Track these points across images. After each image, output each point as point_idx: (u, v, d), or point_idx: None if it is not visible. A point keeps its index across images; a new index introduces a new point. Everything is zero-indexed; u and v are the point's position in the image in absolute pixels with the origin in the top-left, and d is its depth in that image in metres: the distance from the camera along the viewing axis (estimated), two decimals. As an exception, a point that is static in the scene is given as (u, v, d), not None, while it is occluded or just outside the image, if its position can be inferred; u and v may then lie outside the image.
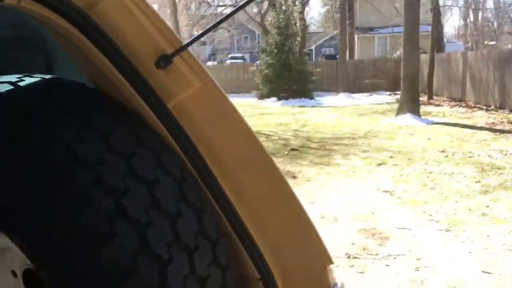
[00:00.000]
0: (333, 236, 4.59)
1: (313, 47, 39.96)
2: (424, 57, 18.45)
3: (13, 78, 0.91)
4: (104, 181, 0.78)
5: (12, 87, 0.87)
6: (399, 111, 12.79)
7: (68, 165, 0.77)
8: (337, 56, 25.45)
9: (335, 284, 1.01)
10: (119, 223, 0.77)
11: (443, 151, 8.41)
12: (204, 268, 0.86)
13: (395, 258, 4.04)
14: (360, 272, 3.81)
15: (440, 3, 22.35)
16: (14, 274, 1.05)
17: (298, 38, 20.04)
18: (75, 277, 0.78)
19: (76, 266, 0.77)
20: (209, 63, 32.39)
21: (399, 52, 17.92)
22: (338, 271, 3.82)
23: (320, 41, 41.97)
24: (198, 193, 0.90)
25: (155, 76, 0.86)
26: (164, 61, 0.86)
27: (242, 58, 39.10)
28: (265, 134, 11.09)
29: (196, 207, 0.88)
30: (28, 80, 0.91)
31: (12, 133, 0.80)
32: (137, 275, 0.77)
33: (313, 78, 19.53)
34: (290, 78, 18.66)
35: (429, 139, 9.78)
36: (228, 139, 0.92)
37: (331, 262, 1.02)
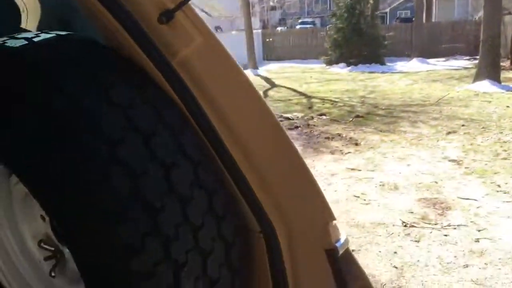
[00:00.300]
0: (390, 204, 4.50)
1: (387, 10, 38.23)
2: (509, 19, 17.06)
3: (30, 34, 0.97)
4: (101, 131, 0.82)
5: (26, 42, 0.93)
6: (477, 77, 12.02)
7: (68, 115, 0.82)
8: (413, 19, 24.14)
9: (338, 240, 1.00)
10: (112, 170, 0.80)
11: (521, 120, 7.85)
12: (198, 217, 0.88)
13: (455, 228, 3.90)
14: (415, 241, 3.72)
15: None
16: (43, 218, 1.15)
17: (371, 1, 19.17)
18: (73, 223, 0.83)
19: (73, 213, 0.82)
20: (279, 29, 32.01)
21: (481, 13, 16.67)
22: (392, 239, 3.76)
23: (395, 4, 39.95)
24: (197, 146, 0.91)
25: (158, 31, 0.88)
26: (166, 16, 0.87)
27: (313, 23, 38.20)
28: (330, 100, 10.92)
29: (193, 159, 0.90)
30: (43, 36, 0.96)
31: (20, 85, 0.85)
32: (128, 221, 0.80)
33: (385, 42, 18.73)
34: (360, 43, 18.04)
35: (507, 106, 9.14)
36: (230, 93, 0.92)
37: (333, 219, 1.01)
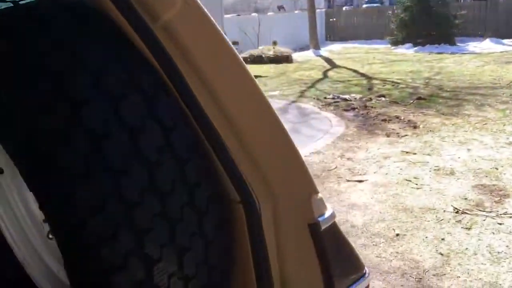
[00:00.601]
0: (443, 189, 4.30)
1: (462, -12, 36.04)
2: None
3: None
4: (65, 90, 0.82)
5: (11, 4, 0.95)
6: (556, 58, 11.10)
7: (34, 71, 0.82)
8: (489, -4, 22.57)
9: (321, 215, 0.96)
10: (74, 130, 0.80)
11: None
12: (166, 183, 0.86)
13: (511, 217, 3.66)
14: (466, 228, 3.53)
15: None
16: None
17: (442, -22, 18.13)
18: (36, 182, 0.84)
19: (37, 169, 0.83)
20: (345, 8, 31.12)
21: None
22: (441, 225, 3.59)
23: (471, -20, 37.54)
24: (172, 111, 0.89)
25: None
26: None
27: (380, 1, 36.77)
28: (392, 82, 10.53)
29: (165, 124, 0.88)
30: None
31: (2, 47, 0.88)
32: (90, 182, 0.80)
33: (456, 22, 17.70)
34: (429, 22, 17.15)
35: None
36: (213, 58, 0.90)
37: (316, 192, 0.96)
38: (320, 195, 0.97)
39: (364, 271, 1.02)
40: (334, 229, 0.98)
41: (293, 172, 0.96)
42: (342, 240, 1.02)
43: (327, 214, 0.96)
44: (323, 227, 0.94)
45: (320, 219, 0.94)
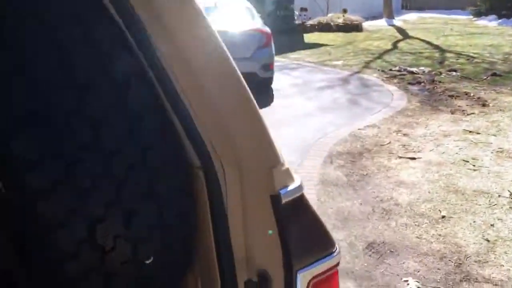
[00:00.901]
0: (503, 172, 4.02)
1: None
2: None
3: None
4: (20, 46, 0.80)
5: None
6: None
7: None
8: None
9: (284, 187, 0.90)
10: (15, 81, 0.78)
11: None
12: (112, 142, 0.83)
13: None
14: (520, 216, 3.29)
15: None
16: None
17: None
18: None
19: None
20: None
21: None
22: (492, 210, 3.37)
23: None
24: (126, 67, 0.85)
25: None
26: None
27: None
28: (467, 55, 9.88)
29: (116, 80, 0.84)
30: None
31: None
32: (24, 136, 0.76)
33: (550, -8, 16.14)
34: (517, -8, 15.79)
35: None
36: (178, 15, 0.85)
37: (279, 163, 0.90)
38: (286, 166, 0.92)
39: (334, 249, 0.97)
40: (299, 202, 0.93)
41: (257, 141, 0.91)
42: (309, 215, 0.96)
43: (292, 186, 0.91)
44: (285, 200, 0.89)
45: (282, 191, 0.89)
